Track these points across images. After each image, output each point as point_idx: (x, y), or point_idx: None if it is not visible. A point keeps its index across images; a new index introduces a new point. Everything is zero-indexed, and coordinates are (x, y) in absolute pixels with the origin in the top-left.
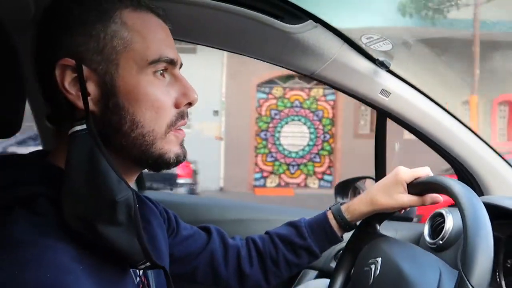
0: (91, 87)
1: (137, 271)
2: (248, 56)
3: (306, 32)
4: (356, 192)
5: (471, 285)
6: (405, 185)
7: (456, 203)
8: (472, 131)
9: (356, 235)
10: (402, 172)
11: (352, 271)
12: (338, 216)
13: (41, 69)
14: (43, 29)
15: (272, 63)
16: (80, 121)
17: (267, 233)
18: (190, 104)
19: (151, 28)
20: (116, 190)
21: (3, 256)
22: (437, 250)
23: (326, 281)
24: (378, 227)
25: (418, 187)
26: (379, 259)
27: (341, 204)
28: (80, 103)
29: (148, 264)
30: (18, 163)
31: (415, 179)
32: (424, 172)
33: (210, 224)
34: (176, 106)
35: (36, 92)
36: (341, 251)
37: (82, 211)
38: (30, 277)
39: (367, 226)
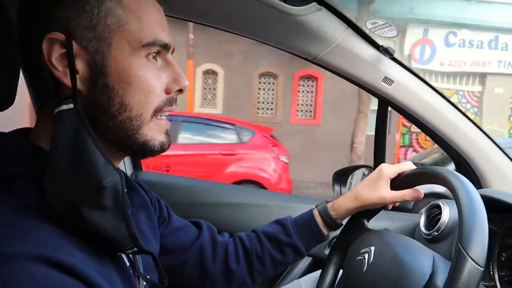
0: (79, 65)
1: (128, 256)
2: (249, 38)
3: (310, 14)
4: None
5: (471, 258)
6: (388, 181)
7: (451, 191)
8: (475, 124)
9: (345, 232)
10: (385, 168)
11: (343, 266)
12: (324, 213)
13: (27, 43)
14: (32, 1)
15: (273, 46)
16: (66, 100)
17: (254, 231)
18: (180, 91)
19: (146, 9)
20: (103, 174)
21: None
22: (431, 241)
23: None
24: (366, 223)
25: (407, 180)
26: (372, 248)
27: (327, 202)
28: (67, 80)
29: (135, 249)
30: None
31: (399, 174)
32: (408, 166)
33: (207, 206)
34: (167, 91)
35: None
36: (334, 240)
37: (66, 194)
38: (17, 250)
39: (355, 223)
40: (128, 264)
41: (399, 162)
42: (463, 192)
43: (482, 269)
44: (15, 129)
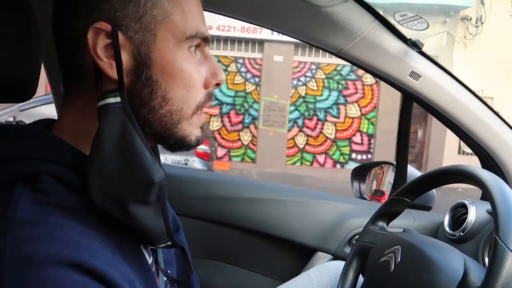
0: (124, 56)
1: (149, 251)
2: (273, 30)
3: (336, 6)
4: (373, 177)
5: (511, 250)
6: None
7: (480, 186)
8: (503, 120)
9: (364, 235)
10: None
11: (363, 271)
12: None
13: (66, 32)
14: None
15: (297, 38)
16: (112, 93)
17: None
18: (218, 84)
19: (189, 1)
20: (153, 171)
21: (9, 235)
22: (456, 241)
23: (342, 263)
24: (386, 226)
25: (433, 181)
26: (399, 247)
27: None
28: (111, 72)
29: (169, 243)
30: (18, 136)
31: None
32: None
33: (224, 199)
34: (205, 86)
35: (53, 57)
36: (356, 237)
37: (113, 188)
38: (43, 254)
39: (375, 226)
40: (150, 260)
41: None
42: (494, 186)
43: None
44: (35, 120)
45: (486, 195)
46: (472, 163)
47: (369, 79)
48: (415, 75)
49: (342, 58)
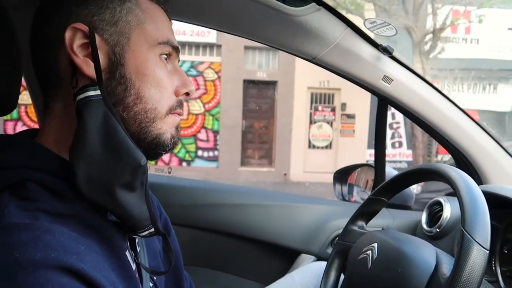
0: (100, 56)
1: (133, 256)
2: (248, 38)
3: (309, 15)
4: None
5: (476, 241)
6: None
7: (449, 183)
8: (474, 120)
9: (344, 235)
10: None
11: (344, 270)
12: None
13: (44, 36)
14: (53, 1)
15: (273, 46)
16: (89, 86)
17: None
18: (187, 94)
19: (159, 15)
20: (139, 156)
21: None
22: (433, 238)
23: (324, 263)
24: (365, 225)
25: (405, 179)
26: (375, 245)
27: None
28: (86, 69)
29: (152, 230)
30: (4, 145)
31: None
32: None
33: (209, 207)
34: (176, 93)
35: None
36: (337, 239)
37: (100, 176)
38: (31, 258)
39: (354, 226)
40: (134, 267)
41: None
42: (461, 182)
43: (488, 251)
44: (21, 131)
45: (455, 191)
46: (319, 156)
47: (210, 74)
48: (387, 79)
49: (317, 65)
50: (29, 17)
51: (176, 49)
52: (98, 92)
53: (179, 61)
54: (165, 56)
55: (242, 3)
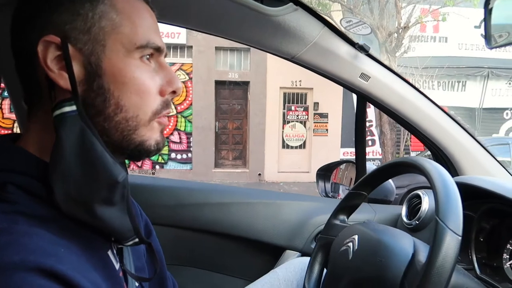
0: (75, 67)
1: (117, 257)
2: (227, 39)
3: (287, 15)
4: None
5: (449, 228)
6: None
7: (424, 174)
8: (448, 115)
9: (326, 229)
10: None
11: (328, 261)
12: None
13: (21, 46)
14: (28, 5)
15: (252, 46)
16: (67, 102)
17: None
18: (174, 92)
19: (139, 13)
20: (116, 172)
21: None
22: (413, 230)
23: (307, 259)
24: (346, 219)
25: (382, 174)
26: (356, 236)
27: None
28: (62, 82)
29: (136, 240)
30: None
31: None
32: None
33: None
34: (161, 93)
35: (14, 75)
36: (319, 235)
37: (78, 193)
38: (8, 261)
39: (336, 219)
40: (117, 266)
41: None
42: (435, 173)
43: (460, 237)
44: (1, 134)
45: (429, 182)
46: (293, 155)
47: (182, 76)
48: (365, 76)
49: (297, 63)
50: (9, 19)
51: (158, 49)
52: (74, 107)
53: (165, 55)
54: (148, 57)
55: (220, 4)
